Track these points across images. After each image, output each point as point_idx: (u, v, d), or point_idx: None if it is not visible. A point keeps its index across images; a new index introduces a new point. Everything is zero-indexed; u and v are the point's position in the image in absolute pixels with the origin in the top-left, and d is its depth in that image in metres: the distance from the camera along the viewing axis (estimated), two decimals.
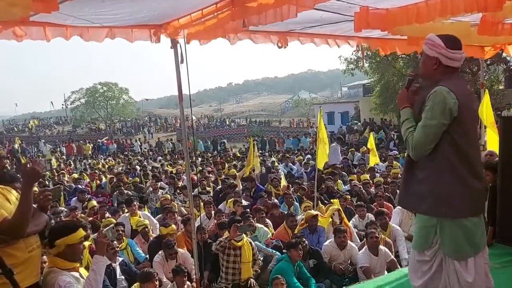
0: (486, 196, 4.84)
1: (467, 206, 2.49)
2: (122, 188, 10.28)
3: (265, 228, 6.68)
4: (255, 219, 6.70)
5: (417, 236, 2.71)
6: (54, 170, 17.48)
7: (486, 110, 7.35)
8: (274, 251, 5.88)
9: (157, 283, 4.59)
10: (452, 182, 2.48)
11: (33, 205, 2.76)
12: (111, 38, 3.79)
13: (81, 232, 3.03)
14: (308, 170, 13.04)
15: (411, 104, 2.68)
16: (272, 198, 8.70)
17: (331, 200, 7.69)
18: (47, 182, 12.62)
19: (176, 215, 7.33)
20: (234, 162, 16.27)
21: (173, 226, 6.35)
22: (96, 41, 3.76)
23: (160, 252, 5.58)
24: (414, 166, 2.63)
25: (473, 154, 2.55)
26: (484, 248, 2.61)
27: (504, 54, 17.45)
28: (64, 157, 23.80)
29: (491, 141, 7.13)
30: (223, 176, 12.12)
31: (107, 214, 7.84)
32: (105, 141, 34.57)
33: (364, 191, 9.07)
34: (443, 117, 2.43)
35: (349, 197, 8.27)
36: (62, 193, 10.36)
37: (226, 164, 15.50)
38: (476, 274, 2.50)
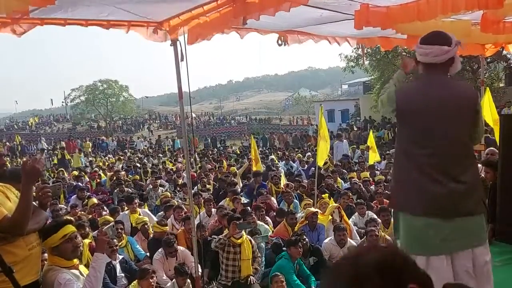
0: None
1: (416, 204, 2.49)
2: (123, 186, 10.29)
3: (266, 226, 6.69)
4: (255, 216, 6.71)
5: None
6: (54, 168, 17.50)
7: (488, 108, 7.33)
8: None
9: (153, 280, 4.58)
10: (403, 178, 2.59)
11: (33, 202, 2.76)
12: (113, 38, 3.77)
13: (63, 232, 2.97)
14: (305, 168, 13.05)
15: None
16: (272, 196, 8.71)
17: (322, 195, 7.71)
18: (46, 179, 12.61)
19: (182, 211, 7.30)
20: (233, 159, 16.28)
21: (166, 228, 6.45)
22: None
23: (160, 250, 5.59)
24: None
25: (432, 156, 2.45)
26: (458, 254, 2.50)
27: (504, 52, 17.45)
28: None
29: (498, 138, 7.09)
30: (223, 173, 12.12)
31: (104, 212, 7.85)
32: (104, 138, 34.71)
33: (364, 189, 9.07)
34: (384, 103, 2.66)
35: (350, 194, 8.27)
36: (62, 190, 10.37)
37: (225, 161, 15.48)
38: (434, 276, 2.44)
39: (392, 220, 2.83)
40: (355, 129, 26.57)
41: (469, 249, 2.51)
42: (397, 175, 2.67)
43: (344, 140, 15.51)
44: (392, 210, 2.74)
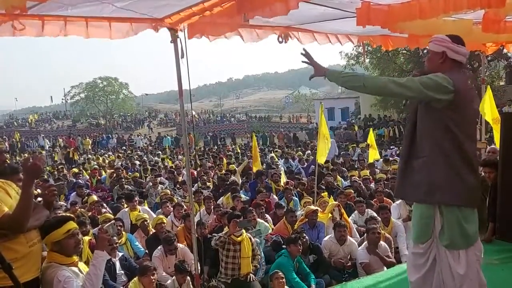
0: (482, 191, 4.88)
1: (460, 194, 2.50)
2: (124, 180, 10.28)
3: (266, 223, 6.70)
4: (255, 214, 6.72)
5: (416, 228, 2.75)
6: (56, 164, 17.52)
7: (489, 106, 7.32)
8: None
9: (154, 277, 4.58)
10: (445, 171, 2.51)
11: (34, 200, 2.76)
12: (112, 37, 3.76)
13: (66, 227, 2.97)
14: (305, 166, 13.04)
15: None
16: (272, 194, 8.73)
17: (322, 194, 7.72)
18: (46, 177, 12.60)
19: (182, 209, 7.30)
20: (233, 158, 16.26)
21: (160, 216, 6.67)
22: (97, 38, 3.73)
23: (159, 247, 5.59)
24: (410, 155, 2.67)
25: (469, 146, 2.54)
26: (476, 243, 2.60)
27: (504, 50, 17.43)
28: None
29: (497, 137, 7.09)
30: (223, 171, 12.13)
31: (104, 210, 7.85)
32: (109, 136, 34.85)
33: (364, 187, 9.08)
34: (425, 86, 2.44)
35: (351, 191, 8.28)
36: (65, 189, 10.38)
37: (225, 159, 15.46)
38: (468, 267, 2.51)
39: (420, 219, 2.70)
40: (341, 129, 26.58)
41: (478, 238, 2.65)
42: (435, 174, 2.54)
43: (332, 140, 15.20)
44: (433, 207, 2.59)
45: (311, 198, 7.82)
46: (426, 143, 2.58)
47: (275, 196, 8.63)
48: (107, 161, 18.56)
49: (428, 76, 2.51)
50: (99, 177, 12.63)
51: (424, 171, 2.58)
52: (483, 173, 5.28)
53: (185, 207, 7.36)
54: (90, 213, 7.59)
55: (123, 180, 10.50)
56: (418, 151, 2.61)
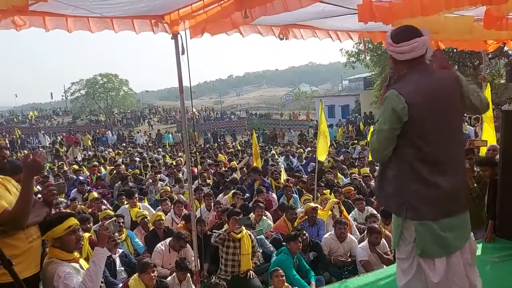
0: (480, 189, 4.86)
1: (431, 209, 2.38)
2: (128, 179, 10.29)
3: (269, 221, 6.72)
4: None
5: (394, 234, 2.69)
6: (56, 161, 17.53)
7: None
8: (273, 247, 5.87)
9: (153, 273, 4.56)
10: (413, 184, 2.40)
11: (34, 196, 2.75)
12: (115, 31, 3.76)
13: (67, 223, 2.97)
14: (303, 163, 13.03)
15: None
16: (273, 191, 8.74)
17: (324, 191, 7.73)
18: (46, 173, 12.60)
19: (182, 206, 7.35)
20: (233, 154, 16.27)
21: (159, 213, 6.69)
22: (97, 32, 3.73)
23: (164, 242, 5.58)
24: (386, 164, 2.56)
25: (440, 152, 2.39)
26: (463, 248, 2.49)
27: (506, 48, 17.42)
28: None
29: (487, 135, 7.13)
30: (223, 169, 12.13)
31: (104, 207, 7.85)
32: (109, 133, 34.84)
33: (364, 184, 9.08)
34: (392, 122, 2.36)
35: (352, 189, 8.29)
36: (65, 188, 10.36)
37: (225, 156, 15.45)
38: (452, 274, 2.43)
39: (395, 228, 2.62)
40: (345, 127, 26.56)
41: (468, 241, 2.55)
42: (403, 188, 2.44)
43: None
44: (404, 220, 2.48)
45: (311, 196, 7.82)
46: (395, 156, 2.46)
47: (273, 194, 8.62)
48: (107, 157, 18.55)
49: (380, 121, 2.43)
50: (99, 174, 12.63)
51: (395, 184, 2.49)
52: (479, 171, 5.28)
53: (183, 198, 7.38)
54: (90, 210, 7.60)
55: (128, 177, 10.51)
56: (391, 162, 2.50)
